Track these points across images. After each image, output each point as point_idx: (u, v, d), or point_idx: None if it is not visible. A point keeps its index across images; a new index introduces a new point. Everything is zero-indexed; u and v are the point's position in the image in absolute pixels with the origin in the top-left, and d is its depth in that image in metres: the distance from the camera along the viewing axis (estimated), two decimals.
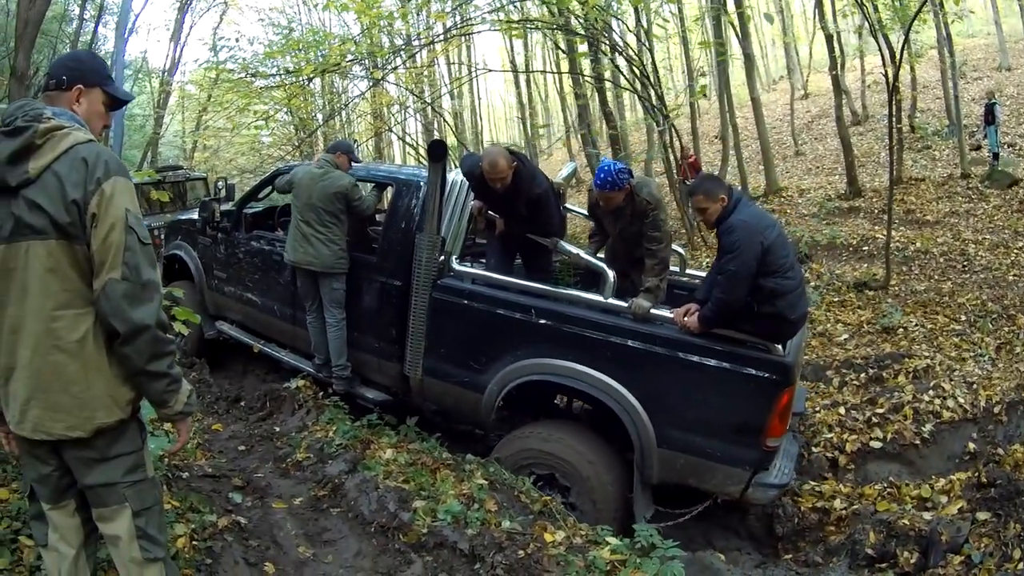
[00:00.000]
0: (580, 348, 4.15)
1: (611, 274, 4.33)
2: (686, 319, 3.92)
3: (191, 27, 31.17)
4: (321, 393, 5.57)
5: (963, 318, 8.10)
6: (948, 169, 15.90)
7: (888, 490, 4.88)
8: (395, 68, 12.90)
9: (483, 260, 5.57)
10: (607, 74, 14.27)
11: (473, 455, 4.49)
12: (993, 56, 25.63)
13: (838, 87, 15.48)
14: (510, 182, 4.61)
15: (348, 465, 4.35)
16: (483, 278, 4.75)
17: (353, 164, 5.57)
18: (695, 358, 3.88)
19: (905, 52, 9.40)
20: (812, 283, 9.93)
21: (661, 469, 4.01)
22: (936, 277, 9.65)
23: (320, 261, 5.21)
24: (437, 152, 4.57)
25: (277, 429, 5.34)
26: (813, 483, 5.10)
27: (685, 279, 5.51)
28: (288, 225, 5.47)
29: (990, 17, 25.61)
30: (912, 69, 18.17)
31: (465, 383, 4.59)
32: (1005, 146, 16.00)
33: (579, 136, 17.97)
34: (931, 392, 5.81)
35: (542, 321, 4.28)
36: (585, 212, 5.58)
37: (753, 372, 3.75)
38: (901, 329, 7.89)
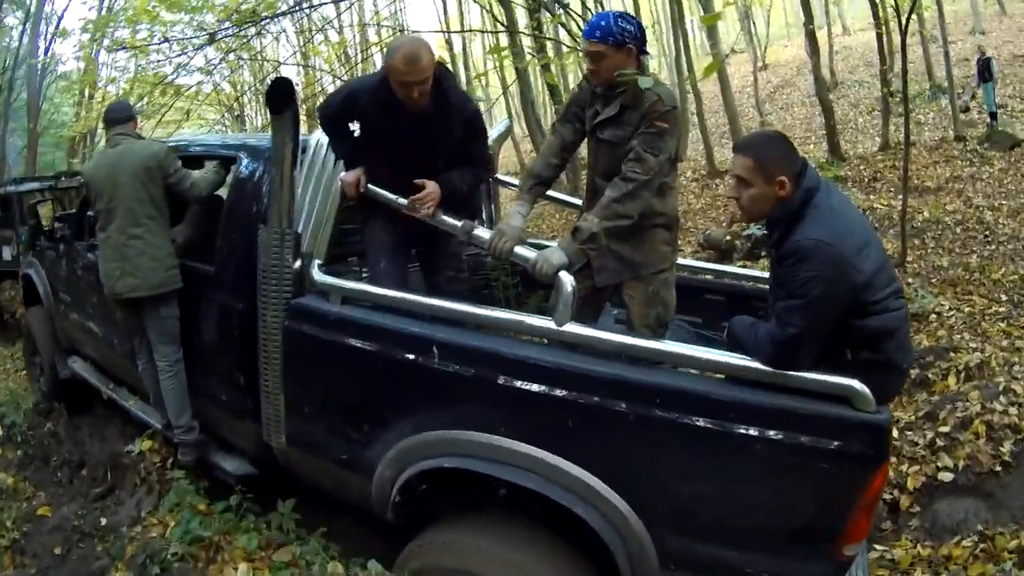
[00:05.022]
0: (521, 413, 2.39)
1: (568, 280, 2.49)
2: None
3: None
4: (171, 460, 4.03)
5: (1004, 298, 6.81)
6: (938, 132, 15.13)
7: (980, 546, 3.61)
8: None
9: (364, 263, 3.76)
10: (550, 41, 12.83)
11: (378, 560, 2.78)
12: (963, 20, 26.13)
13: (814, 40, 14.02)
14: (431, 96, 2.93)
15: None
16: (360, 294, 2.88)
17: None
18: (726, 425, 2.14)
19: (908, 9, 8.01)
20: None
21: None
22: (957, 250, 8.46)
23: (146, 281, 3.54)
24: (280, 96, 2.83)
25: (104, 521, 3.86)
26: (879, 547, 3.74)
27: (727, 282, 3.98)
28: None
29: None
30: (892, 30, 17.37)
31: (343, 461, 2.84)
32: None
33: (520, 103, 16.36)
34: (1002, 398, 4.53)
35: (452, 367, 2.50)
36: (516, 183, 3.86)
37: (824, 444, 2.07)
38: (934, 315, 6.51)
